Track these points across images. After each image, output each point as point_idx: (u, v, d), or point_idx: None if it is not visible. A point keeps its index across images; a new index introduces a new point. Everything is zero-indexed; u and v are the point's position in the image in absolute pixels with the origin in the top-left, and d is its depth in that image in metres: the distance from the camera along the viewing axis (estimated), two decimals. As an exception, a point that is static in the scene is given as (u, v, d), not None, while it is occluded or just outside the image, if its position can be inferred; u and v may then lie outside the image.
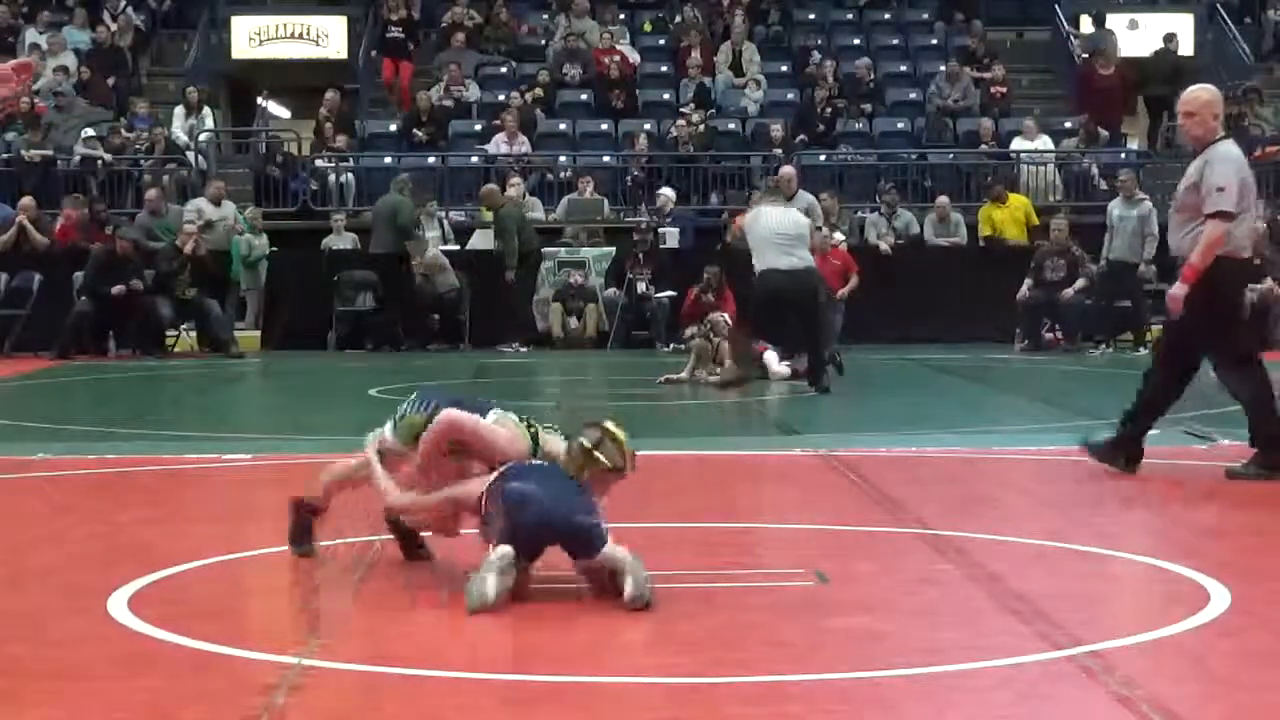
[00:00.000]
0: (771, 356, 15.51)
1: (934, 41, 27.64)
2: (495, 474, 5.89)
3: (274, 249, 21.12)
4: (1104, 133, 23.75)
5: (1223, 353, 8.92)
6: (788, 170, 17.60)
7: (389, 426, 6.23)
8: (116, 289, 18.97)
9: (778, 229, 14.41)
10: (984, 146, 23.72)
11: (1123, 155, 23.21)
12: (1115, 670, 4.76)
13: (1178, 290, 8.65)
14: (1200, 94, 8.92)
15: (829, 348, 15.53)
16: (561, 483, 5.86)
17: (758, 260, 14.49)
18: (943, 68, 25.54)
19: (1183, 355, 9.00)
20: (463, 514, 6.02)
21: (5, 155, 23.08)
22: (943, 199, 21.91)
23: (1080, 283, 19.21)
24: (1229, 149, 8.81)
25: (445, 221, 21.87)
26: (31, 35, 26.04)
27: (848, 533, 7.25)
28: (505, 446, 5.97)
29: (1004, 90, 25.32)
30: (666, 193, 21.89)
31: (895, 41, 27.80)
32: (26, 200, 20.81)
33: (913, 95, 25.76)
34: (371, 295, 20.25)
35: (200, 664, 4.97)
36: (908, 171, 23.65)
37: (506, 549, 5.67)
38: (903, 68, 26.83)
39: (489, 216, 20.78)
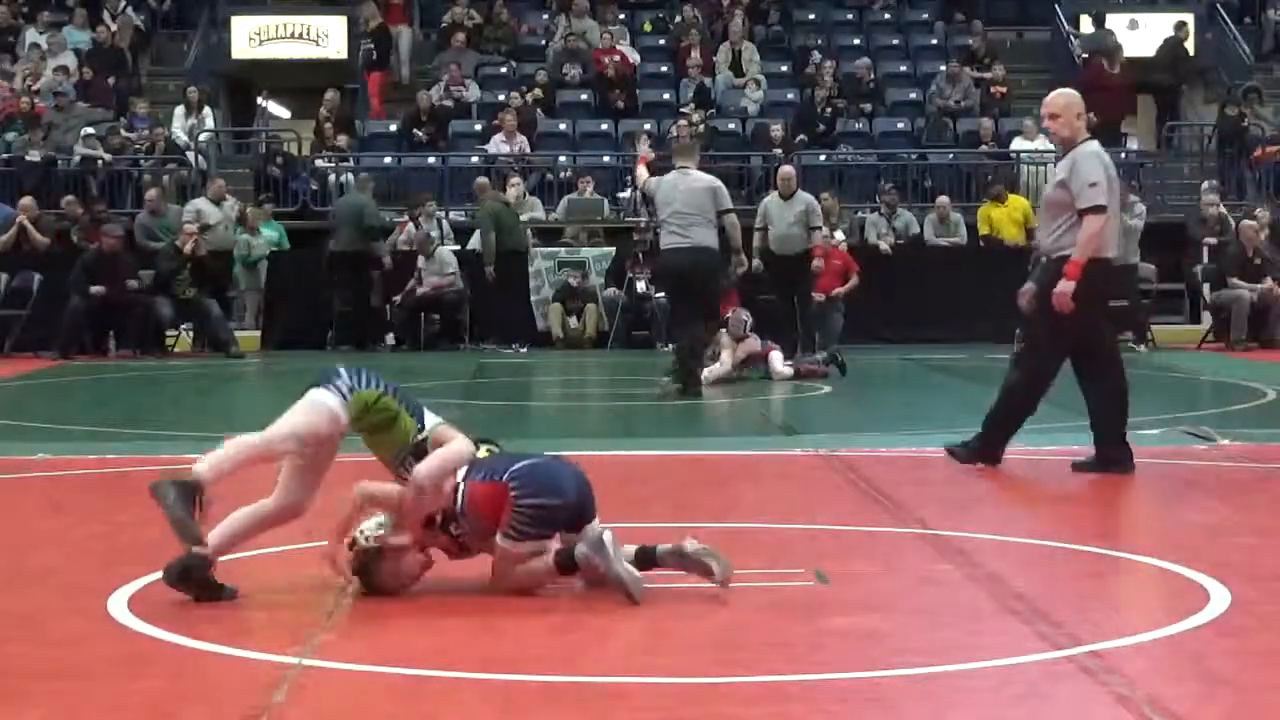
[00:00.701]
0: (776, 356, 15.47)
1: (934, 41, 27.64)
2: (463, 474, 5.81)
3: (274, 248, 21.10)
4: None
5: (1083, 348, 8.91)
6: (787, 170, 17.53)
7: (335, 401, 5.81)
8: (95, 289, 18.85)
9: (676, 205, 13.20)
10: (984, 146, 23.71)
11: (1123, 155, 23.18)
12: (1115, 670, 4.76)
13: (1064, 287, 8.70)
14: (1059, 98, 9.06)
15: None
16: (535, 454, 6.04)
17: (661, 236, 13.50)
18: (943, 68, 25.53)
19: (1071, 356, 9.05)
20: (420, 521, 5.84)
21: (5, 155, 23.07)
22: (943, 199, 21.90)
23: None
24: (1095, 148, 8.94)
25: (445, 221, 21.86)
26: (31, 35, 26.07)
27: (848, 533, 7.25)
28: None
29: (1004, 90, 25.31)
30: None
31: (895, 41, 27.79)
32: (26, 200, 20.81)
33: (913, 95, 25.75)
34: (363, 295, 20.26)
35: (200, 664, 4.98)
36: (908, 171, 23.63)
37: (610, 534, 5.67)
38: (903, 68, 26.82)
39: (488, 215, 20.78)
